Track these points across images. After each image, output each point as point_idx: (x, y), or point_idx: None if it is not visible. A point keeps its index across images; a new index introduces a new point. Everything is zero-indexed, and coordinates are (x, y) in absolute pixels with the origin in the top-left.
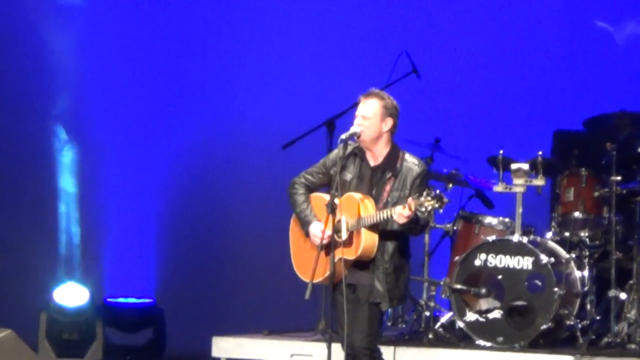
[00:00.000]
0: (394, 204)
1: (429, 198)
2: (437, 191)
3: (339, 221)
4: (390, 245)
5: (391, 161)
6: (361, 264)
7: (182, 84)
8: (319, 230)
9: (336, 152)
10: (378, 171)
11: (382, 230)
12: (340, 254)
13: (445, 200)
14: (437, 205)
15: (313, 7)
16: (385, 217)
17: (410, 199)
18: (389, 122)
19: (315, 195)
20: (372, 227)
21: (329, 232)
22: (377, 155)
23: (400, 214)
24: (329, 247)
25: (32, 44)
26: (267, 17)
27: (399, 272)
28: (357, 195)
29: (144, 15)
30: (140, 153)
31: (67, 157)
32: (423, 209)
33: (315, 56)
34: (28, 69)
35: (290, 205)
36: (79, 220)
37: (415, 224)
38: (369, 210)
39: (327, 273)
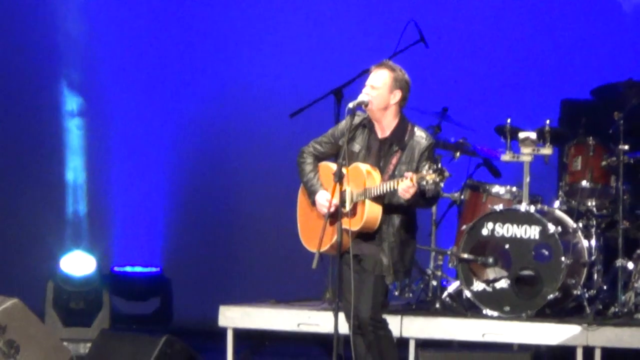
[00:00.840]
0: (401, 177)
1: (430, 171)
2: (439, 165)
3: (344, 191)
4: (396, 219)
5: (399, 134)
6: (366, 236)
7: (190, 54)
8: (325, 199)
9: (344, 123)
10: (386, 143)
11: (389, 203)
12: (345, 224)
13: (447, 174)
14: (437, 179)
15: None
16: (389, 189)
17: (411, 173)
18: (397, 94)
19: (323, 164)
20: (377, 199)
21: (335, 201)
22: (385, 127)
23: (404, 190)
24: (335, 217)
25: (40, 19)
26: None
27: (404, 246)
28: (364, 166)
29: None
30: (149, 122)
31: (76, 126)
32: (424, 182)
33: (323, 24)
34: (37, 41)
35: (299, 174)
36: (86, 189)
37: (420, 198)
38: (374, 181)
39: (333, 242)
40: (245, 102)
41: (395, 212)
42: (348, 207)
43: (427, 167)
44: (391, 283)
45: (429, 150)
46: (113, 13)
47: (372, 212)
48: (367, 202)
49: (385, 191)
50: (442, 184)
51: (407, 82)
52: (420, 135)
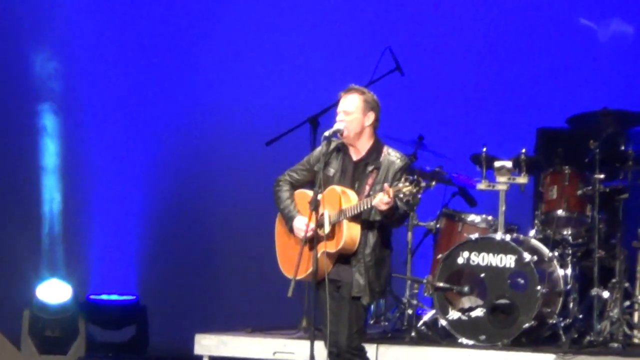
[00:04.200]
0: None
1: (407, 183)
2: (414, 176)
3: (322, 215)
4: (371, 238)
5: (374, 155)
6: (344, 258)
7: (167, 80)
8: (302, 223)
9: (320, 150)
10: (360, 165)
11: (364, 222)
12: (323, 247)
13: (423, 184)
14: (414, 190)
15: (297, 4)
16: (366, 207)
17: (386, 185)
18: (371, 116)
19: (299, 192)
20: (354, 219)
21: (312, 225)
22: (360, 149)
23: (380, 200)
24: (312, 243)
25: (12, 39)
26: (253, 15)
27: (380, 266)
28: (339, 188)
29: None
30: (126, 149)
31: (51, 153)
32: (401, 195)
33: (299, 53)
34: (11, 59)
35: (275, 202)
36: (62, 217)
37: (395, 212)
38: (350, 202)
39: (311, 269)
40: (222, 129)
41: (370, 231)
42: (327, 228)
43: (402, 179)
44: (368, 304)
45: (402, 170)
46: (96, 24)
47: (351, 233)
48: (345, 222)
49: (362, 209)
50: (419, 196)
51: (377, 103)
52: (395, 156)
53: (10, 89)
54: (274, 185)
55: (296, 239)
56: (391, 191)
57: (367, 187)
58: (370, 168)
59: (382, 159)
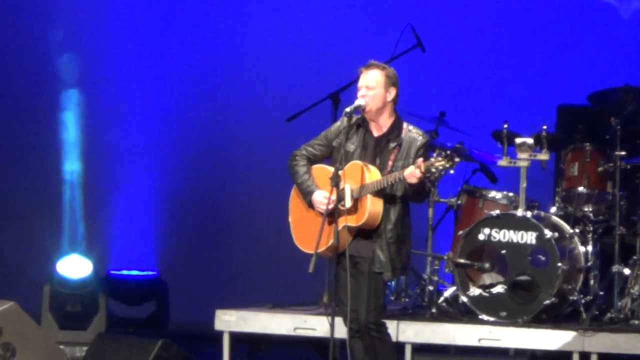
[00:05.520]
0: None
1: (440, 158)
2: (448, 151)
3: (343, 189)
4: (392, 214)
5: (395, 131)
6: (364, 234)
7: (188, 57)
8: (322, 196)
9: (338, 124)
10: (382, 141)
11: (386, 197)
12: (344, 221)
13: (457, 159)
14: (447, 165)
15: None
16: (392, 181)
17: (420, 160)
18: (392, 92)
19: (317, 166)
20: (377, 194)
21: (333, 197)
22: (381, 125)
23: (412, 173)
24: (331, 217)
25: (31, 23)
26: None
27: (401, 242)
28: (361, 163)
29: None
30: (146, 126)
31: (71, 130)
32: (434, 170)
33: (320, 29)
34: (31, 40)
35: (291, 177)
36: (83, 193)
37: (423, 187)
38: (373, 177)
39: (330, 243)
40: (243, 105)
41: (392, 206)
42: (348, 203)
43: (435, 154)
44: (389, 280)
45: (424, 148)
46: (110, 13)
47: (375, 207)
48: (369, 197)
49: (389, 183)
50: (452, 171)
51: (397, 78)
52: (417, 132)
53: (30, 72)
54: (290, 159)
55: (313, 213)
56: (423, 166)
57: (390, 164)
58: (392, 145)
59: (403, 135)
